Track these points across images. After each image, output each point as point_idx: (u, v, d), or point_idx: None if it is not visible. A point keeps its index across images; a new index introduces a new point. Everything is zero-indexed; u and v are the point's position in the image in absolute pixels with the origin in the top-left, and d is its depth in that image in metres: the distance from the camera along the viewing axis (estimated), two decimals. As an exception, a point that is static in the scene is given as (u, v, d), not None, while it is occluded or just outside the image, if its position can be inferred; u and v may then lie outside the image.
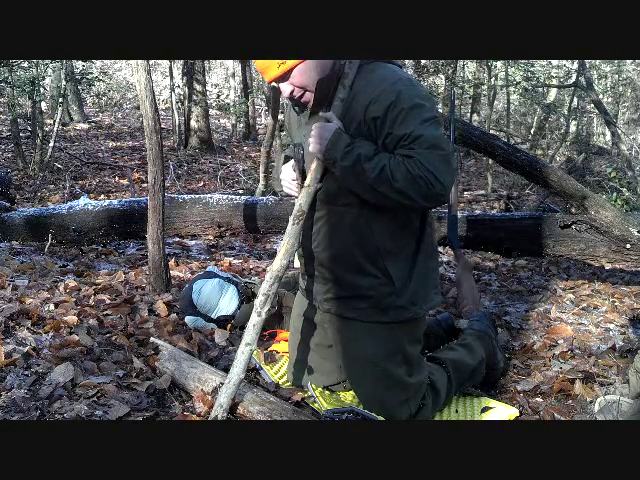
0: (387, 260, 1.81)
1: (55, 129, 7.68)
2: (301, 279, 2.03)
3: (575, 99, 10.40)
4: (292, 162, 1.89)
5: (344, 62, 1.74)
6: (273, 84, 1.89)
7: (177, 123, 10.74)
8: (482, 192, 7.64)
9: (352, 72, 1.73)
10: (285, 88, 1.75)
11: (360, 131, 1.71)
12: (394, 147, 1.67)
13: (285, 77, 1.72)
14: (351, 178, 1.70)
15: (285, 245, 1.79)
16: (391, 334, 1.86)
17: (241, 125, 12.89)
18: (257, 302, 1.79)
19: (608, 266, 3.75)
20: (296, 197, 1.87)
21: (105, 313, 2.53)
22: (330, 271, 1.87)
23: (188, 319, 2.50)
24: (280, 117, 6.92)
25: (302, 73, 1.71)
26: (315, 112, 1.79)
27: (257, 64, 1.74)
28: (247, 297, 2.61)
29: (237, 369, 1.73)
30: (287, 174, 1.91)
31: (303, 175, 1.84)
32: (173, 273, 3.16)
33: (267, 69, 1.71)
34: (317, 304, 1.95)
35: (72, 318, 2.35)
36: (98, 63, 15.96)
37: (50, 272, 3.10)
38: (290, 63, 1.69)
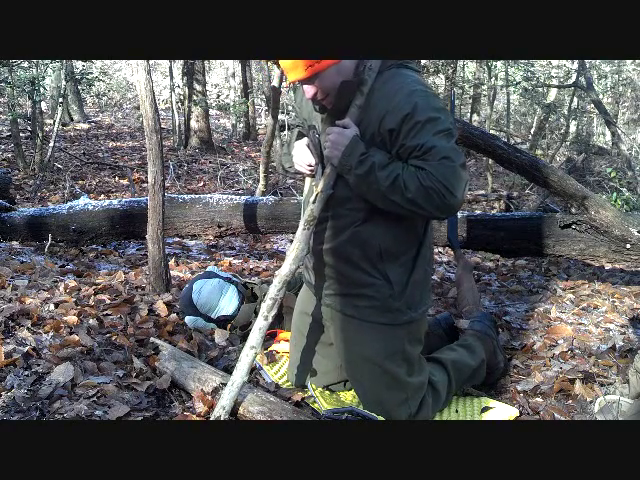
0: (388, 264, 1.82)
1: (55, 129, 7.67)
2: (306, 273, 2.04)
3: (575, 99, 10.39)
4: (306, 140, 1.87)
5: (363, 68, 1.74)
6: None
7: (177, 123, 10.74)
8: (482, 192, 7.65)
9: (370, 79, 1.73)
10: (309, 90, 1.75)
11: (374, 141, 1.72)
12: (407, 157, 1.68)
13: (310, 79, 1.72)
14: (364, 186, 1.71)
15: (295, 250, 1.79)
16: (391, 334, 1.86)
17: (241, 125, 12.90)
18: (264, 306, 1.78)
19: (608, 266, 3.75)
20: (307, 176, 1.89)
21: (105, 313, 2.53)
22: (333, 269, 1.89)
23: (188, 319, 2.50)
24: (280, 117, 6.91)
25: (328, 77, 1.71)
26: (333, 112, 1.79)
27: (282, 63, 1.72)
28: (247, 297, 2.61)
29: (241, 371, 1.73)
30: (301, 152, 1.87)
31: (321, 158, 1.83)
32: (173, 273, 3.16)
33: (293, 70, 1.69)
34: (320, 299, 1.97)
35: (72, 318, 2.36)
36: (98, 63, 15.96)
37: (50, 272, 3.10)
38: (317, 67, 1.67)
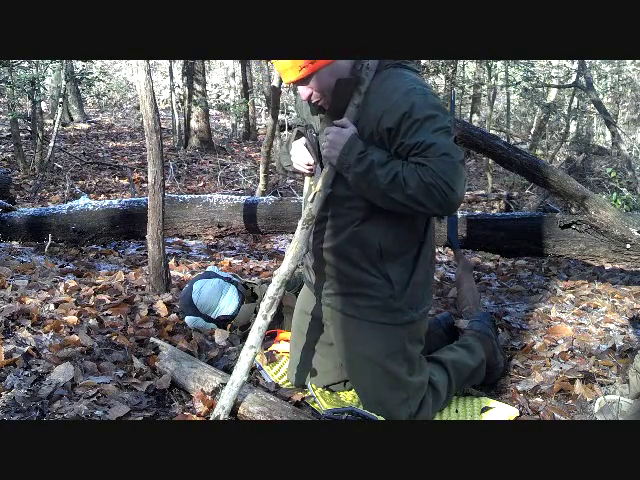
0: (388, 263, 1.82)
1: (55, 129, 7.67)
2: (306, 272, 2.04)
3: (575, 99, 10.39)
4: (304, 140, 1.89)
5: (360, 67, 1.74)
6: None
7: (177, 123, 10.74)
8: (482, 192, 7.64)
9: (368, 78, 1.73)
10: (303, 91, 1.76)
11: (372, 140, 1.72)
12: (406, 156, 1.68)
13: (305, 81, 1.72)
14: (363, 184, 1.71)
15: (293, 249, 1.79)
16: (392, 333, 1.86)
17: (241, 125, 12.89)
18: (263, 305, 1.78)
19: (608, 266, 3.75)
20: (306, 176, 1.90)
21: (105, 313, 2.53)
22: (333, 268, 1.88)
23: (188, 319, 2.50)
24: (280, 117, 6.91)
25: (322, 78, 1.71)
26: (331, 112, 1.80)
27: (277, 65, 1.73)
28: (247, 297, 2.61)
29: (240, 371, 1.73)
30: (299, 152, 1.89)
31: (319, 157, 1.84)
32: (173, 273, 3.16)
33: (287, 71, 1.70)
34: (320, 298, 1.97)
35: (72, 318, 2.36)
36: (98, 63, 15.96)
37: (50, 272, 3.10)
38: (311, 68, 1.68)
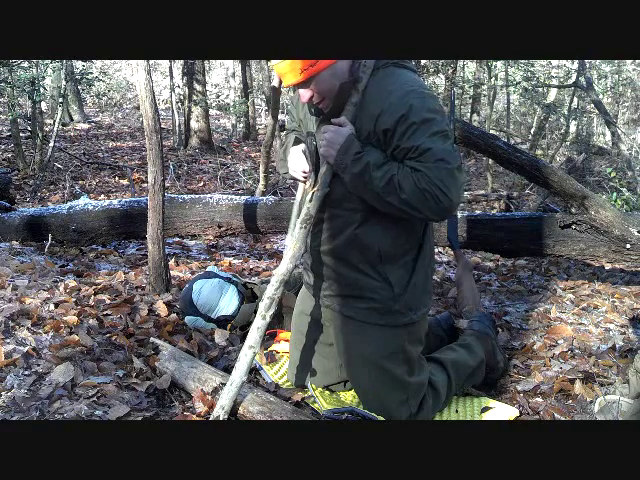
0: (387, 265, 1.82)
1: (55, 129, 7.67)
2: (305, 274, 2.03)
3: (575, 99, 10.38)
4: (302, 147, 1.87)
5: (358, 66, 1.73)
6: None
7: (177, 123, 10.74)
8: (482, 192, 7.64)
9: (366, 76, 1.72)
10: (304, 94, 1.74)
11: (369, 140, 1.71)
12: (402, 158, 1.67)
13: (305, 83, 1.70)
14: (359, 185, 1.70)
15: (292, 249, 1.79)
16: (391, 335, 1.86)
17: (241, 125, 12.90)
18: (262, 305, 1.78)
19: (608, 266, 3.75)
20: (302, 183, 1.89)
21: (105, 313, 2.53)
22: (332, 270, 1.88)
23: (188, 319, 2.50)
24: (280, 117, 6.91)
25: (323, 81, 1.69)
26: (330, 113, 1.79)
27: (277, 68, 1.70)
28: (247, 297, 2.61)
29: (239, 371, 1.73)
30: (296, 159, 1.86)
31: (316, 165, 1.83)
32: (173, 273, 3.16)
33: (286, 75, 1.68)
34: (319, 299, 1.97)
35: (72, 318, 2.35)
36: (98, 63, 15.98)
37: (50, 272, 3.10)
38: (311, 70, 1.66)
